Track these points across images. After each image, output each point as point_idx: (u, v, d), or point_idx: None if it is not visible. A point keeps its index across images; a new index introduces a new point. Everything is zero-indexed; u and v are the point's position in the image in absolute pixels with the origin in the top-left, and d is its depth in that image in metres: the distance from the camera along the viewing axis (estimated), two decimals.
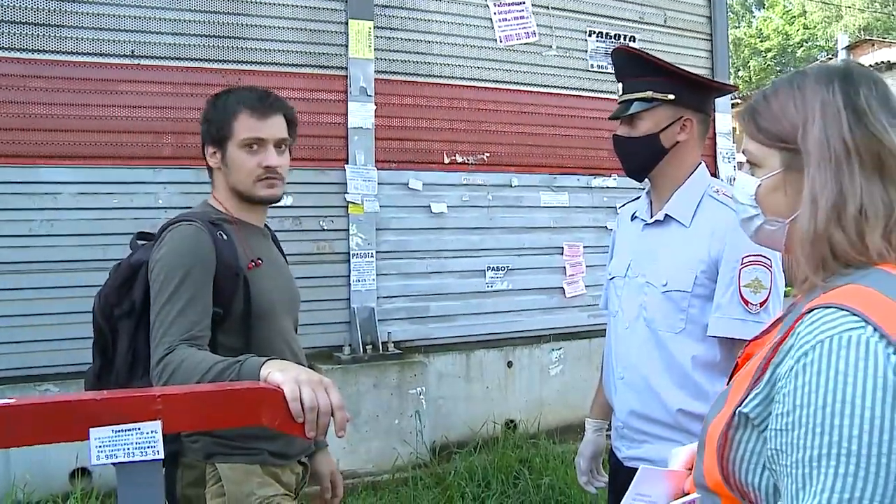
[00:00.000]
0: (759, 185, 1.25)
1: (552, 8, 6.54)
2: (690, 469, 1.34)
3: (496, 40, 6.32)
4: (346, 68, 5.71)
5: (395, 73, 5.92)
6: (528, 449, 5.57)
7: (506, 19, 6.34)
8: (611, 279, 2.51)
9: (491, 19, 6.30)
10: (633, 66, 2.32)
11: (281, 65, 5.51)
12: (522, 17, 6.40)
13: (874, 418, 0.95)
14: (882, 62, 16.68)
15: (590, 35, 6.75)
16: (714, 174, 6.81)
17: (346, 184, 5.67)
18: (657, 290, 2.25)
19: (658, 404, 2.24)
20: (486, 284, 6.21)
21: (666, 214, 2.31)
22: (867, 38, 26.43)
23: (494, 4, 6.30)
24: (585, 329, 6.50)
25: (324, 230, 5.62)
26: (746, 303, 2.11)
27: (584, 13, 6.72)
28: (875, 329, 1.01)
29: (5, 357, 4.66)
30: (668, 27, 7.17)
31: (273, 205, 2.31)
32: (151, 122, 5.09)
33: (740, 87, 31.60)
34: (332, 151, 5.65)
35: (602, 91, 6.60)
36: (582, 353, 6.49)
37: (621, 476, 2.29)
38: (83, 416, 1.39)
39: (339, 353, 5.47)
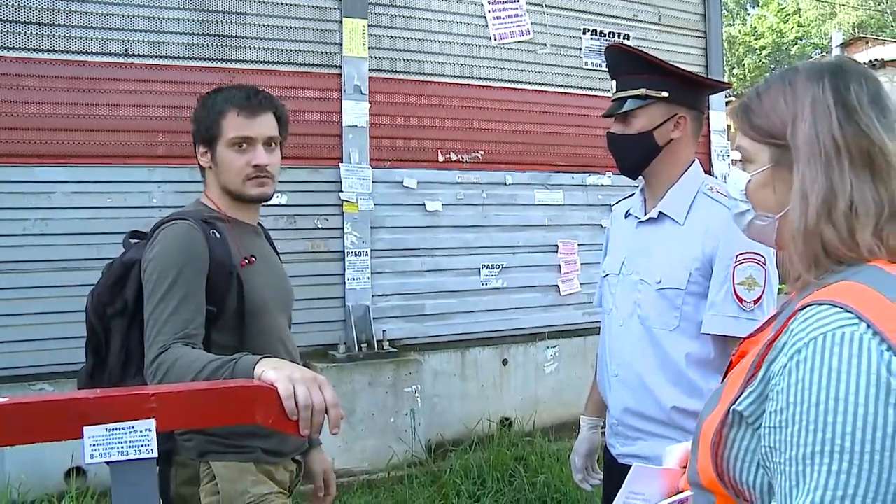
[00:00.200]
0: (749, 181, 1.26)
1: (546, 6, 6.54)
2: (684, 467, 1.35)
3: (490, 38, 6.32)
4: (341, 66, 5.70)
5: (389, 71, 5.92)
6: (524, 447, 5.58)
7: (500, 17, 6.34)
8: (605, 276, 2.51)
9: (485, 17, 6.30)
10: (626, 63, 2.33)
11: (275, 63, 5.50)
12: (516, 15, 6.40)
13: (867, 415, 0.95)
14: (876, 60, 16.71)
15: (584, 33, 6.75)
16: (708, 172, 6.86)
17: (340, 182, 5.66)
18: (651, 288, 2.25)
19: (652, 401, 2.24)
20: (481, 282, 6.21)
21: (660, 212, 2.31)
22: (861, 35, 26.52)
23: (489, 2, 6.30)
24: (580, 327, 6.51)
25: (318, 228, 5.61)
26: (740, 300, 2.11)
27: (578, 11, 6.72)
28: (868, 326, 1.00)
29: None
30: (663, 25, 7.17)
31: (264, 203, 2.31)
32: (146, 122, 5.08)
33: (734, 84, 31.64)
34: (326, 150, 5.64)
35: (596, 89, 6.59)
36: (577, 350, 6.50)
37: (616, 473, 2.29)
38: (77, 414, 1.39)
39: (334, 351, 5.47)
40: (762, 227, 1.26)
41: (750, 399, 1.09)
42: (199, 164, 2.28)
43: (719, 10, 7.68)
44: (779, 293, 1.99)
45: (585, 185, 6.71)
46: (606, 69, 2.45)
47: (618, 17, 6.94)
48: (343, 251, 5.67)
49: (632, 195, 2.53)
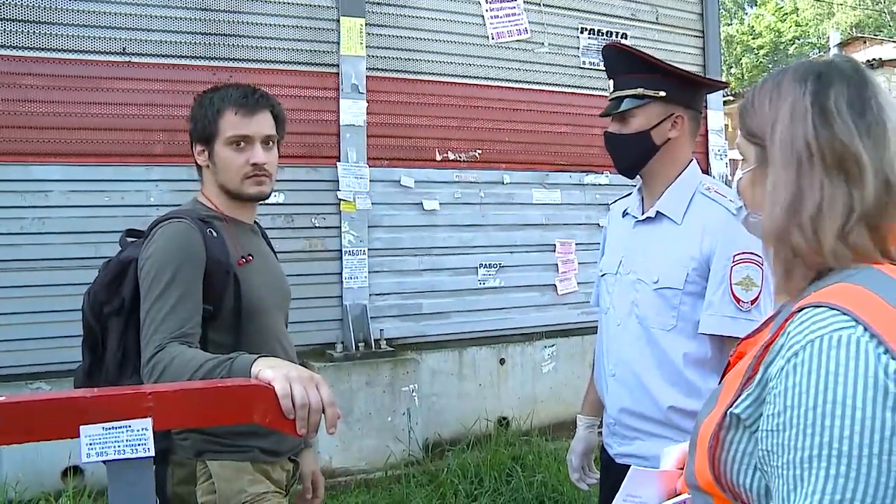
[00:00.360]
0: (741, 179, 1.27)
1: (544, 5, 6.54)
2: (682, 468, 1.35)
3: (488, 37, 6.32)
4: (338, 65, 5.70)
5: (386, 70, 5.92)
6: (521, 446, 5.58)
7: (497, 16, 6.34)
8: (602, 276, 2.51)
9: (483, 16, 6.30)
10: (623, 62, 2.32)
11: (273, 62, 5.50)
12: (514, 14, 6.40)
13: (865, 419, 0.95)
14: (873, 59, 16.73)
15: (582, 32, 6.75)
16: (706, 171, 6.85)
17: (337, 181, 5.66)
18: (648, 287, 2.25)
19: (649, 401, 2.24)
20: (479, 282, 6.21)
21: (657, 211, 2.31)
22: (859, 35, 26.53)
23: (486, 1, 6.30)
24: (578, 326, 6.51)
25: (316, 227, 5.61)
26: (738, 300, 2.11)
27: (575, 10, 6.72)
28: (865, 328, 1.00)
29: None
30: (660, 24, 7.18)
31: (262, 202, 2.31)
32: (143, 120, 5.08)
33: (732, 84, 31.65)
34: (323, 149, 5.64)
35: (594, 88, 6.61)
36: (574, 350, 6.50)
37: (613, 472, 2.29)
38: (74, 413, 1.38)
39: (331, 350, 5.47)
40: (755, 223, 1.27)
41: (747, 402, 1.09)
42: (195, 162, 2.28)
43: (717, 9, 7.68)
44: None
45: (583, 185, 6.71)
46: (604, 68, 2.45)
47: (615, 16, 6.95)
48: (340, 250, 5.67)
49: (629, 194, 2.53)
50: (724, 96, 8.94)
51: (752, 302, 2.11)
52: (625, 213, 2.47)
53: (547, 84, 6.56)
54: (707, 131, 7.25)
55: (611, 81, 2.36)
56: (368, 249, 5.76)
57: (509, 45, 6.40)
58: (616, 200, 2.63)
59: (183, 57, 5.22)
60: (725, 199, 2.21)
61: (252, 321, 2.13)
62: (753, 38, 40.32)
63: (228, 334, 2.08)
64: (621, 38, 6.83)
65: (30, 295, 4.72)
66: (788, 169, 1.15)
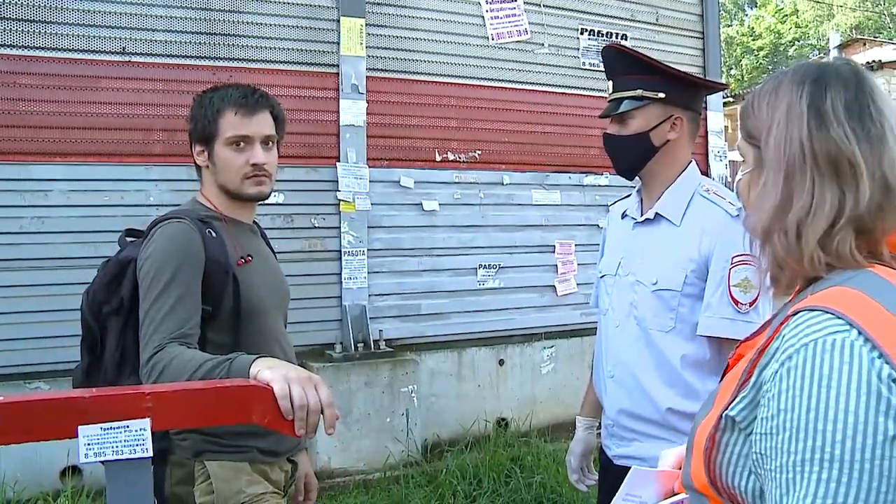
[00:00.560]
0: (740, 180, 1.27)
1: (544, 6, 6.54)
2: (680, 469, 1.35)
3: (488, 38, 6.32)
4: (338, 66, 5.70)
5: (386, 70, 5.92)
6: (520, 447, 5.58)
7: (497, 17, 6.34)
8: (601, 277, 2.51)
9: (483, 17, 6.30)
10: (622, 63, 2.33)
11: (273, 62, 5.50)
12: (514, 15, 6.40)
13: (857, 423, 0.95)
14: (873, 61, 16.73)
15: (582, 33, 6.75)
16: (706, 173, 6.87)
17: (337, 181, 5.66)
18: (647, 289, 2.25)
19: (648, 403, 2.24)
20: (478, 282, 6.21)
21: (656, 213, 2.31)
22: (859, 37, 26.55)
23: (486, 2, 6.30)
24: (577, 327, 6.51)
25: (315, 228, 5.61)
26: (736, 302, 2.11)
27: (576, 11, 6.72)
28: (860, 332, 1.00)
29: None
30: (660, 25, 7.18)
31: (262, 202, 2.31)
32: (143, 120, 5.08)
33: (732, 85, 31.68)
34: (323, 149, 5.64)
35: (594, 89, 6.60)
36: (574, 351, 6.50)
37: (611, 474, 2.29)
38: (72, 413, 1.38)
39: (330, 350, 5.47)
40: None
41: (742, 404, 1.09)
42: (195, 162, 2.28)
43: (717, 10, 7.68)
44: None
45: (583, 186, 6.71)
46: (603, 70, 2.45)
47: (615, 17, 6.95)
48: (340, 251, 5.67)
49: (628, 196, 2.53)
50: (723, 98, 8.94)
51: (751, 304, 2.11)
52: (624, 215, 2.48)
53: (547, 85, 6.56)
54: (707, 133, 7.25)
55: (610, 83, 2.36)
56: (368, 250, 5.75)
57: (509, 45, 6.40)
58: (615, 202, 2.63)
59: (183, 57, 5.22)
60: (724, 201, 2.21)
61: (251, 321, 2.13)
62: (753, 40, 40.37)
63: (227, 335, 2.08)
64: (621, 39, 6.83)
65: (29, 294, 4.72)
66: (781, 171, 1.15)
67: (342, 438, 5.12)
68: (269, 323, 2.22)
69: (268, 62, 5.48)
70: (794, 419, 0.99)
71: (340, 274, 5.66)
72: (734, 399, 1.10)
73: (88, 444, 1.37)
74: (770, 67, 37.25)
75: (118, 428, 1.39)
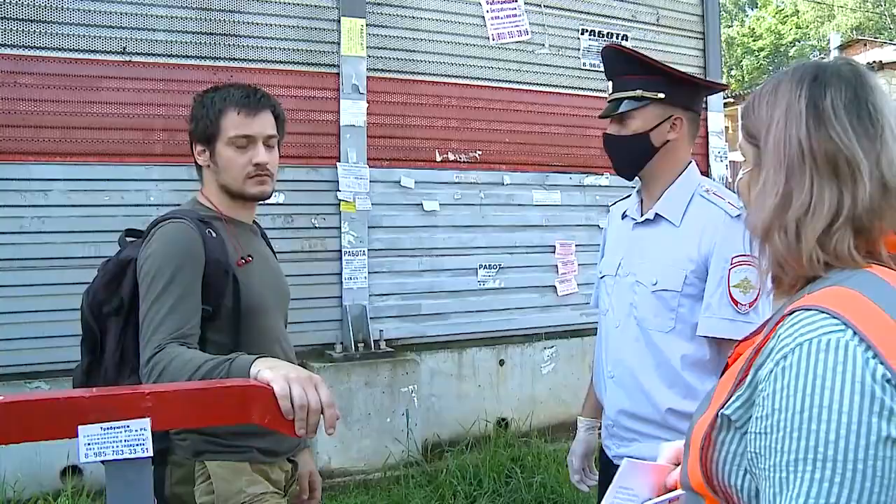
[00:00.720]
0: (740, 179, 1.28)
1: (544, 6, 6.54)
2: (677, 464, 1.35)
3: (489, 38, 6.32)
4: (339, 66, 5.70)
5: (387, 70, 5.92)
6: (520, 447, 5.58)
7: (498, 17, 6.34)
8: (601, 278, 2.52)
9: (483, 17, 6.30)
10: (622, 64, 2.33)
11: (273, 62, 5.50)
12: (515, 16, 6.40)
13: (851, 423, 0.95)
14: (874, 62, 16.73)
15: (582, 33, 6.75)
16: (706, 173, 6.87)
17: (337, 182, 5.66)
18: (647, 290, 2.25)
19: (648, 403, 2.25)
20: (479, 282, 6.21)
21: (656, 213, 2.31)
22: (859, 37, 26.55)
23: (487, 2, 6.29)
24: (578, 327, 6.50)
25: (316, 228, 5.61)
26: (736, 303, 2.11)
27: (576, 11, 6.72)
28: (855, 333, 1.00)
29: None
30: (661, 26, 7.17)
31: (263, 202, 2.31)
32: (143, 120, 5.08)
33: (733, 86, 31.67)
34: (323, 149, 5.64)
35: (595, 89, 6.60)
36: (574, 351, 6.50)
37: (612, 474, 2.29)
38: (72, 413, 1.38)
39: (330, 350, 5.47)
40: None
41: (738, 403, 1.09)
42: (195, 162, 2.27)
43: (717, 11, 7.68)
44: None
45: (583, 186, 6.71)
46: (603, 70, 2.45)
47: (616, 17, 6.94)
48: (340, 251, 5.67)
49: (629, 196, 2.53)
50: (724, 98, 8.93)
51: (751, 304, 2.11)
52: (624, 215, 2.48)
53: (547, 85, 6.55)
54: (707, 133, 7.25)
55: (610, 83, 2.37)
56: (368, 250, 5.75)
57: (510, 46, 6.40)
58: (616, 202, 2.63)
59: (183, 57, 5.22)
60: (724, 202, 2.21)
61: (251, 322, 2.12)
62: (754, 41, 40.36)
63: (227, 335, 2.08)
64: (622, 39, 6.83)
65: (29, 294, 4.72)
66: (780, 170, 1.15)
67: (342, 438, 5.12)
68: (270, 323, 2.22)
69: (268, 62, 5.48)
70: (788, 419, 0.99)
71: (341, 274, 5.66)
72: (730, 398, 1.10)
73: (89, 444, 1.37)
74: (771, 68, 37.22)
75: (118, 428, 1.39)
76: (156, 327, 1.93)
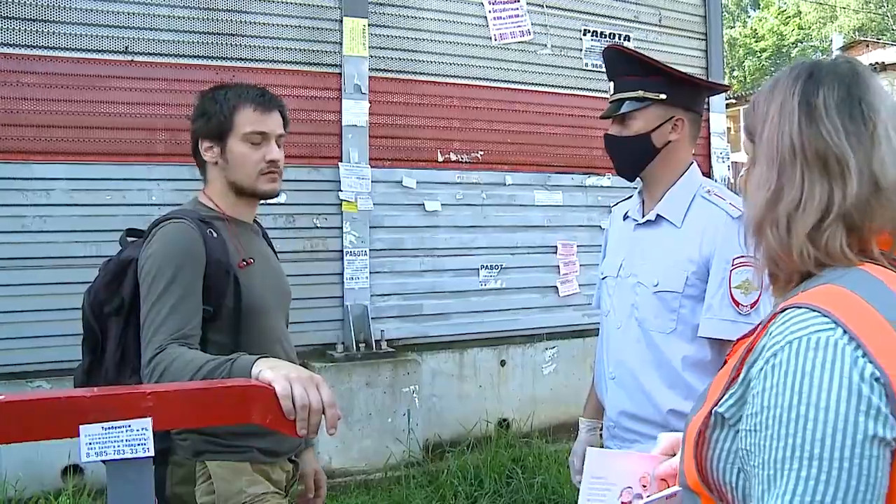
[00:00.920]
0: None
1: (547, 6, 6.54)
2: (670, 455, 1.35)
3: (491, 38, 6.32)
4: (341, 66, 5.71)
5: (389, 70, 5.92)
6: (521, 448, 5.58)
7: (500, 17, 6.33)
8: (603, 279, 2.51)
9: (486, 17, 6.30)
10: (624, 64, 2.32)
11: (275, 62, 5.50)
12: (517, 16, 6.40)
13: (838, 422, 0.95)
14: (876, 63, 16.74)
15: (584, 34, 6.75)
16: (708, 174, 6.86)
17: (339, 182, 5.66)
18: (648, 291, 2.25)
19: (649, 404, 2.24)
20: (480, 283, 6.21)
21: (657, 214, 2.31)
22: (862, 38, 26.53)
23: (489, 2, 6.29)
24: (579, 328, 6.50)
25: (317, 228, 5.61)
26: (737, 304, 2.11)
27: (578, 12, 6.72)
28: (845, 331, 1.00)
29: None
30: (663, 26, 7.17)
31: (270, 200, 2.32)
32: (145, 119, 5.08)
33: (735, 87, 31.66)
34: (325, 149, 5.64)
35: (597, 90, 6.58)
36: (576, 352, 6.50)
37: None
38: (73, 412, 1.38)
39: (332, 350, 5.47)
40: None
41: (731, 401, 1.09)
42: (198, 161, 2.27)
43: (720, 11, 7.68)
44: None
45: (585, 187, 6.71)
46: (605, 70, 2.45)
47: (618, 18, 6.94)
48: (342, 251, 5.67)
49: (630, 197, 2.53)
50: (726, 99, 8.94)
51: (752, 305, 2.10)
52: (626, 216, 2.47)
53: (549, 86, 6.55)
54: (709, 134, 7.25)
55: (611, 83, 2.36)
56: (370, 250, 5.76)
57: (512, 46, 6.40)
58: (617, 203, 2.63)
59: (186, 56, 5.22)
60: (725, 203, 2.21)
61: (252, 322, 2.12)
62: (756, 41, 40.35)
63: (228, 335, 2.08)
64: (624, 40, 6.83)
65: (31, 293, 4.72)
66: (772, 165, 1.16)
67: (343, 438, 5.12)
68: (271, 323, 2.22)
69: (271, 62, 5.48)
70: (777, 416, 0.99)
71: (342, 274, 5.66)
72: (724, 395, 1.11)
73: (90, 444, 1.37)
74: (773, 69, 37.18)
75: (120, 427, 1.39)
76: (157, 328, 1.93)
